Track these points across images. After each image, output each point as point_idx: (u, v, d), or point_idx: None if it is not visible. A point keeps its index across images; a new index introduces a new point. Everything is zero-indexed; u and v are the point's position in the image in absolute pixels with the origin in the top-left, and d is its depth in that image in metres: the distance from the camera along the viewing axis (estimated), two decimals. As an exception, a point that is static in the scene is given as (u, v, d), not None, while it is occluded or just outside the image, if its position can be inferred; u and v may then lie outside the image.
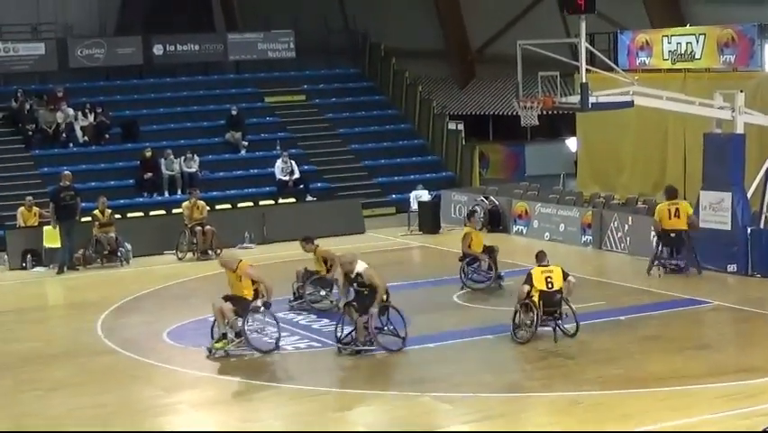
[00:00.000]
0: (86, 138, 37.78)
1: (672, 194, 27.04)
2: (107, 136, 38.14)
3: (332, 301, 23.63)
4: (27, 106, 37.70)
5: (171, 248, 31.64)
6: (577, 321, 20.80)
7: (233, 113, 39.14)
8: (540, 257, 21.34)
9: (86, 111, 38.17)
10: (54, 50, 40.00)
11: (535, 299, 20.60)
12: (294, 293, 24.26)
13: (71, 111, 37.93)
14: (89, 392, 17.02)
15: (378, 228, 34.74)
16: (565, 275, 21.01)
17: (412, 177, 37.98)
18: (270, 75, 42.90)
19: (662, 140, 35.02)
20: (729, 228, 26.52)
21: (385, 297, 20.63)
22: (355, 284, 20.77)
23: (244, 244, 32.72)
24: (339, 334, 20.66)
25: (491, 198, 34.43)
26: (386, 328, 20.59)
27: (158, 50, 41.23)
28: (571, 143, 40.66)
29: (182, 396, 18.53)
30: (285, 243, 32.54)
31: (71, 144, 37.61)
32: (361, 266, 20.78)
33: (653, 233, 27.33)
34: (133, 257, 31.04)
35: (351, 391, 18.31)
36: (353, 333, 20.48)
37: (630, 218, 29.60)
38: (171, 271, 29.67)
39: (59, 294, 28.59)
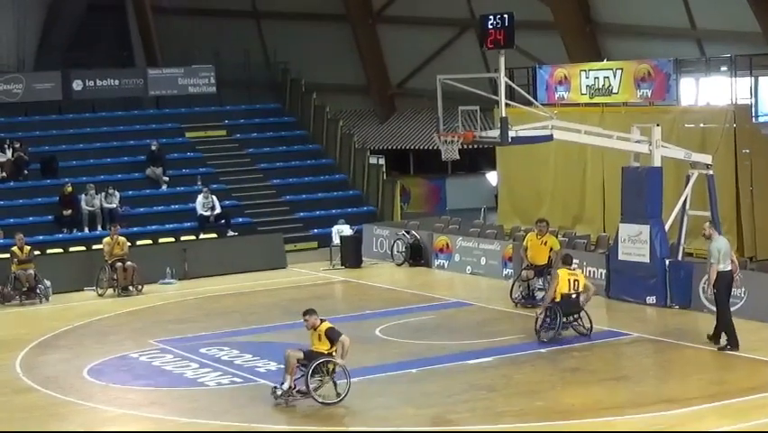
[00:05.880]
0: (4, 174, 37.39)
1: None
2: (26, 172, 37.74)
3: None
4: (-57, 142, 37.28)
5: (91, 285, 31.34)
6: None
7: (154, 148, 38.93)
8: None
9: (5, 147, 37.79)
10: (-29, 86, 39.64)
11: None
12: None
13: (-11, 147, 37.57)
14: (7, 430, 16.80)
15: (300, 263, 34.68)
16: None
17: (333, 211, 38.06)
18: (191, 110, 42.78)
19: (581, 173, 35.42)
20: (648, 260, 26.78)
21: None
22: None
23: (166, 280, 32.51)
24: None
25: (413, 232, 34.51)
26: None
27: (77, 85, 40.96)
28: (492, 177, 40.94)
29: (102, 434, 18.35)
30: (206, 278, 32.47)
31: (-11, 180, 37.25)
32: None
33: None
34: (53, 294, 30.70)
35: (271, 427, 18.22)
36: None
37: (550, 251, 29.75)
38: (92, 308, 29.37)
39: (-23, 332, 28.15)
